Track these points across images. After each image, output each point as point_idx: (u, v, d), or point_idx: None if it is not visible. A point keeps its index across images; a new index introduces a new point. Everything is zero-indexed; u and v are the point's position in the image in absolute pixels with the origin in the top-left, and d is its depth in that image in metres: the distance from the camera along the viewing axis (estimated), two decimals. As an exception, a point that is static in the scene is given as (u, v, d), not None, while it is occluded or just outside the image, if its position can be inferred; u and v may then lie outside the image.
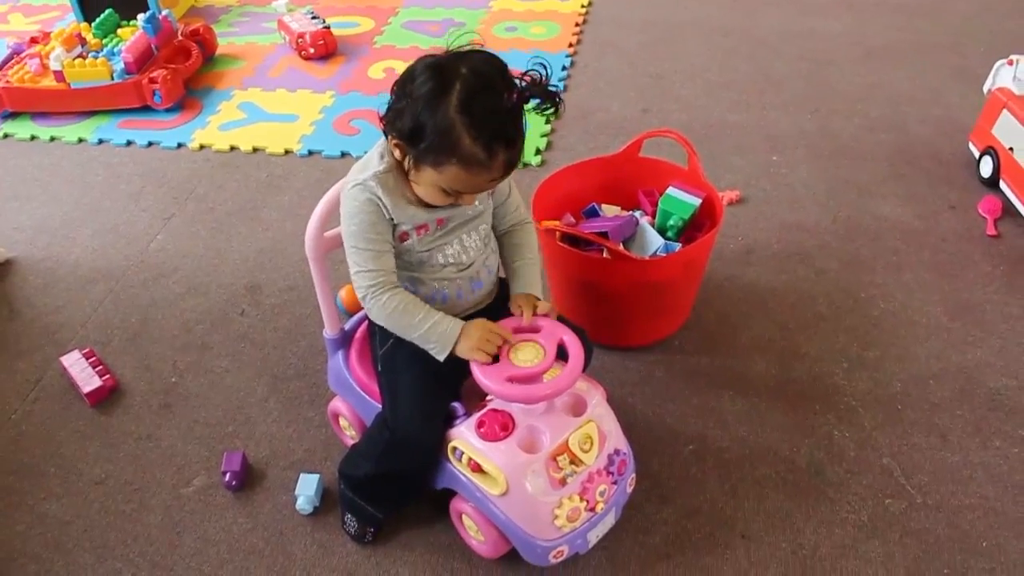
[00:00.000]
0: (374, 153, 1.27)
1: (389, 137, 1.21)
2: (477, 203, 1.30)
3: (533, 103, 1.16)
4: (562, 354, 1.25)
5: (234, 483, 1.54)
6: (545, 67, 1.16)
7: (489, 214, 1.36)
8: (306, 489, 1.50)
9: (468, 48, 1.17)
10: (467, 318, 1.29)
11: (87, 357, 1.81)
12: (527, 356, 1.24)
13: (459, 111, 1.11)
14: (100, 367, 1.79)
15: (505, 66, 1.16)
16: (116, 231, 2.27)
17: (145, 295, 2.04)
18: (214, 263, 2.13)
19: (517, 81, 1.15)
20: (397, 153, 1.21)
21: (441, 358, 1.26)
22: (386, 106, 1.21)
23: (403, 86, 1.17)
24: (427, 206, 1.26)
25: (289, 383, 1.76)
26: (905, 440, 1.58)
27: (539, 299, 1.36)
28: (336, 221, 1.34)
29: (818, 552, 1.40)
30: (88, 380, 1.75)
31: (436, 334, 1.25)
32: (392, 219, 1.24)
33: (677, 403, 1.68)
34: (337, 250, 1.39)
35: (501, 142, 1.13)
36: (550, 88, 1.16)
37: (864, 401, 1.67)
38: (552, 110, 1.17)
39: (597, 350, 1.77)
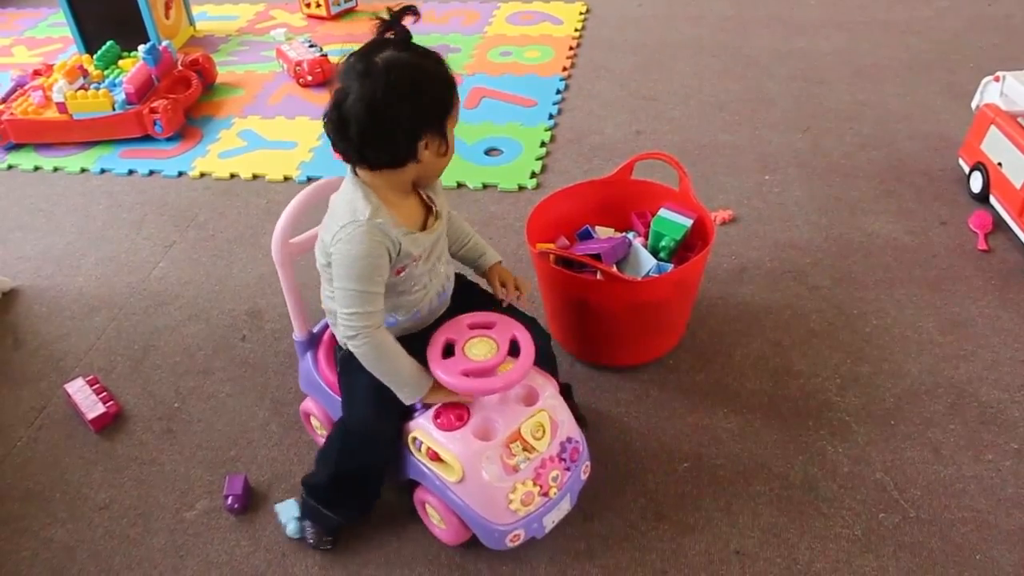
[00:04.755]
0: (356, 197, 1.27)
1: (427, 145, 1.23)
2: (446, 210, 1.41)
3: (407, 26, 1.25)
4: (515, 349, 1.33)
5: (236, 506, 1.56)
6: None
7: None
8: (288, 514, 1.52)
9: (346, 63, 1.22)
10: (431, 327, 1.39)
11: (91, 384, 1.84)
12: (481, 351, 1.32)
13: (420, 60, 1.21)
14: (104, 394, 1.82)
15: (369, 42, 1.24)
16: (118, 259, 2.31)
17: (147, 322, 2.07)
18: (215, 289, 2.16)
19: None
20: (427, 153, 1.24)
21: (407, 403, 1.34)
22: (391, 141, 1.22)
23: (385, 119, 1.20)
24: (421, 228, 1.33)
25: (290, 407, 1.79)
26: (898, 455, 1.60)
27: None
28: (302, 227, 1.43)
29: (813, 567, 1.42)
30: (92, 407, 1.78)
31: (409, 386, 1.33)
32: (399, 254, 1.28)
33: (672, 421, 1.70)
34: (304, 255, 1.47)
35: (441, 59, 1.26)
36: (393, 13, 1.23)
37: (857, 416, 1.69)
38: (415, 14, 1.24)
39: (591, 369, 1.81)
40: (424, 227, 1.35)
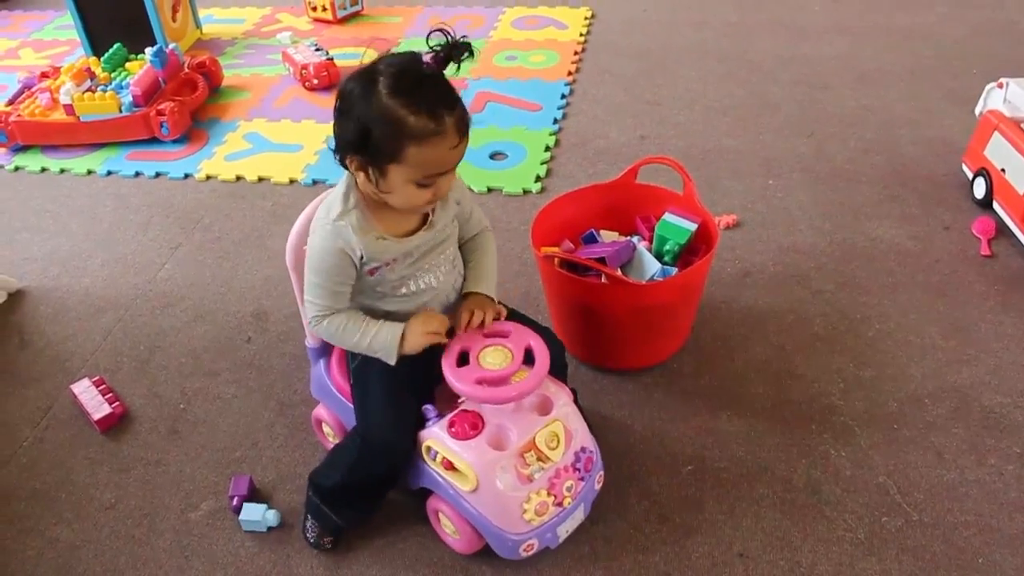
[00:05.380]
0: (338, 193, 1.29)
1: (349, 163, 1.22)
2: (444, 224, 1.36)
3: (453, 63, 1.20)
4: (529, 358, 1.32)
5: (241, 507, 1.56)
6: (445, 31, 1.20)
7: (455, 238, 1.42)
8: (256, 515, 1.54)
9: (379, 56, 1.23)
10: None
11: (97, 385, 1.85)
12: (496, 360, 1.32)
13: (391, 95, 1.15)
14: (109, 394, 1.83)
15: (416, 52, 1.21)
16: (125, 261, 2.32)
17: (153, 323, 2.08)
18: (221, 291, 2.17)
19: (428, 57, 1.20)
20: (361, 177, 1.22)
21: (392, 362, 1.33)
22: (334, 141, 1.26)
23: (338, 111, 1.22)
24: (399, 236, 1.31)
25: (295, 408, 1.79)
26: (901, 459, 1.61)
27: (492, 297, 1.42)
28: None
29: (815, 570, 1.42)
30: (98, 407, 1.79)
31: (379, 343, 1.32)
32: (363, 259, 1.28)
33: (675, 424, 1.70)
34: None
35: (441, 106, 1.16)
36: (459, 40, 1.19)
37: (860, 420, 1.69)
38: (470, 56, 1.20)
39: (595, 372, 1.81)
40: (412, 234, 1.33)
